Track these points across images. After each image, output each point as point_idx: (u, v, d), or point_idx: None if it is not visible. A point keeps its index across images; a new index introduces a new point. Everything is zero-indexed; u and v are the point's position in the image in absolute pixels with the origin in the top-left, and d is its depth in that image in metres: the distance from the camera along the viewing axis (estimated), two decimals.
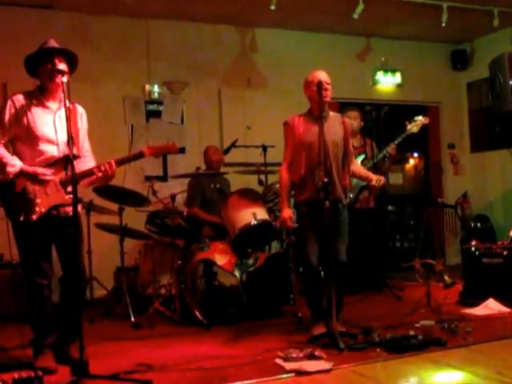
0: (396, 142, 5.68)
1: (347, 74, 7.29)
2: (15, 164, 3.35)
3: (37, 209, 3.32)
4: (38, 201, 3.33)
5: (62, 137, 3.45)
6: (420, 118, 5.62)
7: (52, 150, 3.45)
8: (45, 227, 3.38)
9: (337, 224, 3.99)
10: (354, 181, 5.71)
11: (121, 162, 3.48)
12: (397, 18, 6.95)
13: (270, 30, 7.09)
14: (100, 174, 3.40)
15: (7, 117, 3.42)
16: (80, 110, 3.66)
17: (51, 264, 3.54)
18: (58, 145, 3.47)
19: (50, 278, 3.52)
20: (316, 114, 4.09)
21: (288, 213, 4.10)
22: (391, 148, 5.68)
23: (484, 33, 7.64)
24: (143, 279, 5.33)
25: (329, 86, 4.07)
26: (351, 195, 5.65)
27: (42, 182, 3.37)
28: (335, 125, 4.13)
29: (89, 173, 3.43)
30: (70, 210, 3.40)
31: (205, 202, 5.52)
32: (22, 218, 3.32)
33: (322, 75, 4.10)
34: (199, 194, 5.55)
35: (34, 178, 3.35)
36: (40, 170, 3.38)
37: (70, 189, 3.36)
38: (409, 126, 5.58)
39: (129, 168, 6.20)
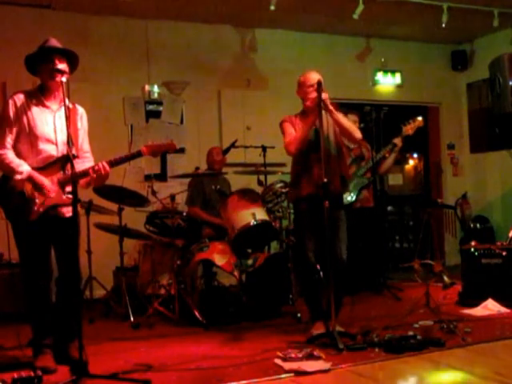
0: (399, 137, 5.68)
1: (347, 75, 7.31)
2: (23, 171, 3.35)
3: (35, 208, 3.33)
4: (36, 201, 3.34)
5: (62, 137, 3.45)
6: (414, 120, 5.62)
7: (51, 150, 3.45)
8: (44, 227, 3.38)
9: (335, 222, 4.00)
10: (354, 181, 5.73)
11: (116, 163, 3.45)
12: (397, 18, 6.95)
13: (269, 31, 7.10)
14: (94, 175, 3.38)
15: (12, 116, 3.42)
16: (80, 110, 3.66)
17: (50, 264, 3.53)
18: (56, 144, 3.47)
19: (50, 279, 3.52)
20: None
21: None
22: (398, 140, 5.66)
23: (484, 33, 7.65)
24: (142, 279, 5.33)
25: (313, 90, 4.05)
26: (352, 194, 5.64)
27: (43, 193, 3.37)
28: (327, 118, 4.10)
29: (84, 173, 3.42)
30: (66, 210, 3.42)
31: (205, 202, 5.53)
32: (21, 218, 3.32)
33: (315, 75, 4.09)
34: (200, 193, 5.55)
35: (38, 188, 3.35)
36: (47, 184, 3.37)
37: (68, 189, 3.38)
38: (404, 129, 5.59)
39: (128, 168, 6.22)
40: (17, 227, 3.44)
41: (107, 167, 3.40)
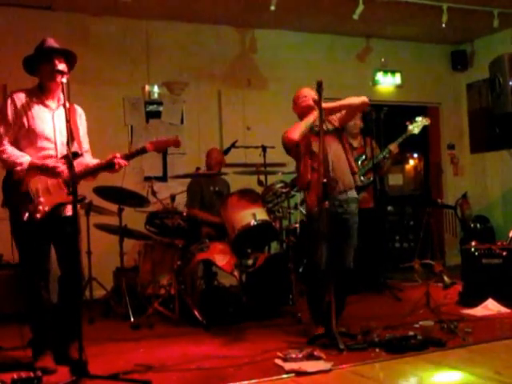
0: (397, 142, 5.68)
1: (347, 75, 7.30)
2: (23, 162, 3.34)
3: (40, 207, 3.32)
4: (41, 200, 3.34)
5: (60, 136, 3.47)
6: (421, 118, 5.60)
7: (50, 149, 3.45)
8: (45, 227, 3.38)
9: (349, 230, 4.02)
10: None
11: (127, 158, 3.53)
12: (397, 18, 6.95)
13: (269, 31, 7.10)
14: (118, 168, 3.48)
15: (10, 114, 3.42)
16: (79, 110, 3.67)
17: (49, 264, 3.54)
18: (55, 144, 3.47)
19: (48, 279, 3.52)
20: None
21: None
22: (394, 147, 5.66)
23: (484, 33, 7.64)
24: (143, 279, 5.33)
25: (306, 99, 4.10)
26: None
27: (56, 175, 3.36)
28: (326, 122, 4.09)
29: (87, 173, 3.45)
30: (67, 209, 3.45)
31: (203, 203, 5.53)
32: (26, 217, 3.31)
33: (310, 90, 4.11)
34: (199, 195, 5.55)
35: (46, 171, 3.35)
36: (51, 163, 3.37)
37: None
38: (410, 127, 5.57)
39: (128, 168, 6.18)
40: (17, 226, 3.43)
41: (125, 162, 3.51)
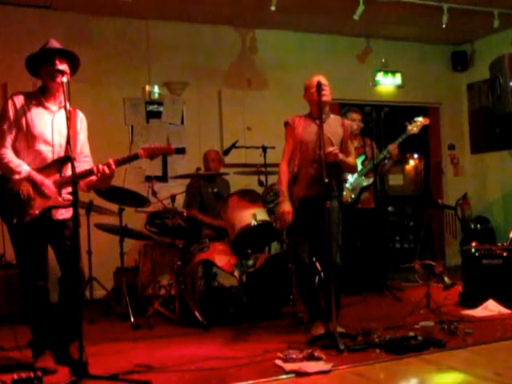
0: (396, 142, 5.69)
1: (347, 75, 7.30)
2: (21, 171, 3.32)
3: (30, 211, 3.30)
4: (32, 203, 3.31)
5: (58, 138, 3.45)
6: (420, 118, 5.62)
7: (47, 151, 3.43)
8: (40, 229, 3.37)
9: (327, 224, 4.00)
10: (356, 181, 5.72)
11: (119, 163, 3.45)
12: (397, 19, 6.95)
13: (270, 31, 7.10)
14: (98, 175, 3.37)
15: (11, 116, 3.41)
16: (80, 115, 3.64)
17: (47, 265, 3.53)
18: (53, 146, 3.45)
19: (47, 280, 3.51)
20: (315, 116, 4.11)
21: (288, 207, 4.05)
22: (393, 147, 5.67)
23: (484, 34, 7.64)
24: (143, 280, 5.33)
25: (326, 88, 4.09)
26: (352, 195, 5.67)
27: (42, 193, 3.34)
28: (334, 126, 4.15)
29: (85, 174, 3.41)
30: (60, 213, 3.43)
31: (202, 205, 5.53)
32: (15, 221, 3.30)
33: (321, 77, 4.14)
34: (197, 196, 5.55)
35: (37, 188, 3.33)
36: (47, 183, 3.35)
37: (64, 191, 3.38)
38: (409, 127, 5.58)
39: (129, 168, 6.21)
40: (12, 229, 3.41)
41: (113, 166, 3.37)
